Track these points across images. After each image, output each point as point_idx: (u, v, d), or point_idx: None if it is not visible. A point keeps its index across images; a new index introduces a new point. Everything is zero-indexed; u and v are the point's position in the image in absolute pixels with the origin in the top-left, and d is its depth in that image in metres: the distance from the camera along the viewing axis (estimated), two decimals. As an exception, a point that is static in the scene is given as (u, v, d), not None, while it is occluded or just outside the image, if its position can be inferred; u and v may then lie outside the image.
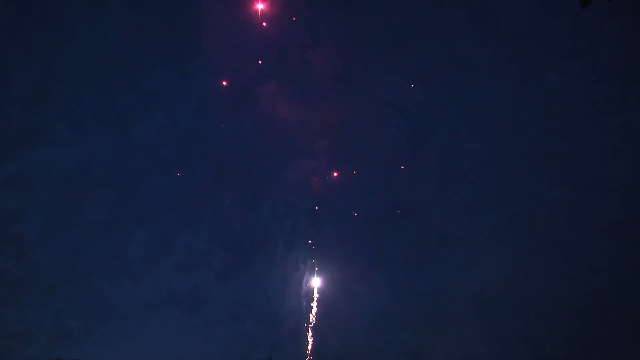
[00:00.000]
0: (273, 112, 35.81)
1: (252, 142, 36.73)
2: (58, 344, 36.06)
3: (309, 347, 35.36)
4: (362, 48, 35.18)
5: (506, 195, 37.20)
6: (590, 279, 35.24)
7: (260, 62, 34.28)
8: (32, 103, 36.76)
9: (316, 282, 36.33)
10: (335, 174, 35.45)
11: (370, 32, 35.97)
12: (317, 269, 36.27)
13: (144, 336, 36.81)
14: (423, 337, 36.49)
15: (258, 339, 36.78)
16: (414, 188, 37.33)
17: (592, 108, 35.83)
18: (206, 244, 38.47)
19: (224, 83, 34.57)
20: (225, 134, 37.39)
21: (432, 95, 37.29)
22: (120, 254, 37.86)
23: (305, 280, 36.09)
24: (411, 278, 37.51)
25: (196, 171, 38.37)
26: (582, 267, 35.48)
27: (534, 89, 36.64)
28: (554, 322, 35.19)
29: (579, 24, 34.13)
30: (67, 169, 37.36)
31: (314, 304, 35.83)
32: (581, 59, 35.50)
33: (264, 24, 34.18)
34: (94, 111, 37.60)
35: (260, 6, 33.80)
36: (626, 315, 34.04)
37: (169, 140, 38.58)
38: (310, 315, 35.78)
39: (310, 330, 35.60)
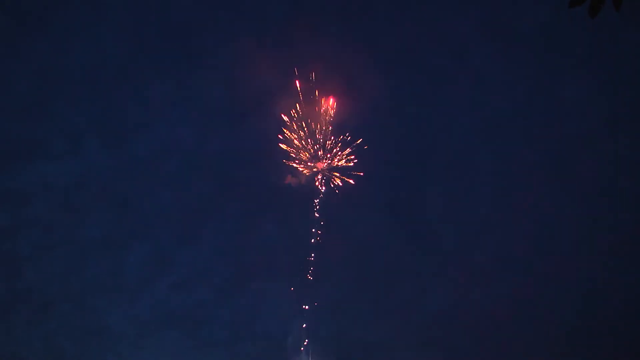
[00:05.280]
0: (276, 124, 36.37)
1: (254, 156, 37.14)
2: (49, 366, 36.33)
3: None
4: (371, 60, 35.77)
5: (519, 212, 37.53)
6: (607, 296, 35.55)
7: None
8: (28, 115, 37.48)
9: (319, 300, 36.59)
10: (339, 183, 35.84)
11: (379, 42, 36.67)
12: (319, 286, 36.56)
13: (140, 358, 37.04)
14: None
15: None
16: (423, 204, 37.79)
17: (606, 120, 36.37)
18: (206, 261, 39.01)
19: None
20: (227, 148, 37.92)
21: (443, 108, 37.89)
22: (116, 272, 38.32)
23: (308, 297, 36.38)
24: (419, 297, 37.77)
25: (197, 186, 38.88)
26: (597, 285, 35.79)
27: (547, 100, 37.16)
28: (566, 342, 35.40)
29: (592, 35, 34.73)
30: (63, 184, 38.00)
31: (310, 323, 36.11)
32: (594, 70, 36.10)
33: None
34: (92, 124, 38.39)
35: None
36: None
37: (169, 154, 39.30)
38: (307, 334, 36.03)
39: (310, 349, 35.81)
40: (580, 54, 36.26)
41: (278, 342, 36.81)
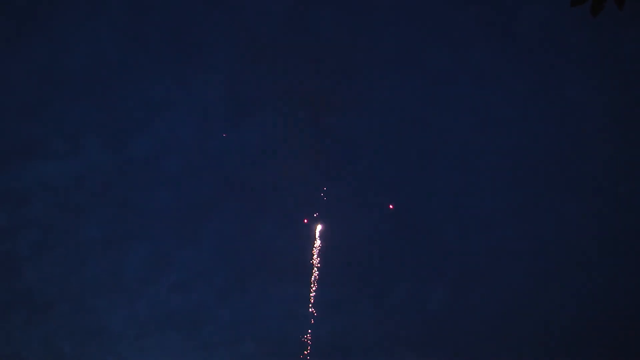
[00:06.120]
0: (277, 125, 36.60)
1: (255, 155, 37.35)
2: (49, 367, 36.44)
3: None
4: (371, 58, 36.00)
5: (521, 211, 37.81)
6: (610, 298, 35.74)
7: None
8: (27, 114, 37.58)
9: (319, 300, 36.73)
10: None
11: (379, 41, 36.87)
12: (319, 286, 36.70)
13: (140, 358, 37.15)
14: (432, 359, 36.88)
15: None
16: (425, 203, 37.95)
17: (610, 119, 36.55)
18: (207, 262, 39.02)
19: None
20: (228, 147, 38.07)
21: (444, 107, 38.07)
22: (116, 272, 38.39)
23: (309, 298, 36.53)
24: (420, 296, 37.96)
25: (197, 185, 39.01)
26: (601, 286, 35.98)
27: (550, 100, 37.36)
28: (567, 342, 35.60)
29: (596, 33, 34.96)
30: (62, 183, 38.07)
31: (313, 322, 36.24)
32: (598, 68, 36.32)
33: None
34: (91, 123, 38.48)
35: None
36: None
37: (169, 154, 39.38)
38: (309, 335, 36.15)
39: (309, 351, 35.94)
40: (583, 53, 36.51)
41: (279, 343, 37.10)
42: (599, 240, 36.55)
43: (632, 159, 36.14)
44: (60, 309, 37.44)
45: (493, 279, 37.17)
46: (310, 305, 36.36)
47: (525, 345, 36.12)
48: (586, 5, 9.07)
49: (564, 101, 37.25)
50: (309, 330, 36.10)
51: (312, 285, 36.47)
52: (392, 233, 38.20)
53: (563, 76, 37.09)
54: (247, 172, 37.48)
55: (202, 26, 38.99)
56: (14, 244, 37.41)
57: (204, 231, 39.21)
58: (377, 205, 38.22)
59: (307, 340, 36.02)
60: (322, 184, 36.38)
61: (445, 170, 38.25)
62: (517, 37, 37.43)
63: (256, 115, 37.93)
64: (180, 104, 38.93)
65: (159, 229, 39.00)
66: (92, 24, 38.21)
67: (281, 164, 36.52)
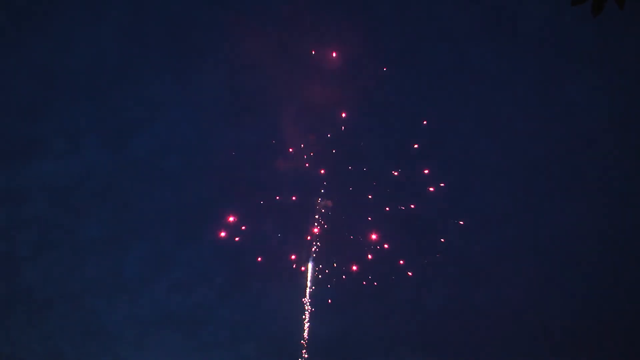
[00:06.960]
0: (277, 124, 36.70)
1: (255, 154, 37.44)
2: (48, 367, 36.56)
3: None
4: (372, 55, 36.08)
5: (522, 210, 37.94)
6: (612, 298, 35.91)
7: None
8: (26, 114, 37.59)
9: (320, 301, 36.80)
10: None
11: (380, 38, 36.94)
12: (319, 286, 36.78)
13: (140, 359, 37.32)
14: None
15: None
16: (425, 201, 38.04)
17: (612, 119, 36.69)
18: (207, 261, 39.20)
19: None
20: (228, 146, 38.12)
21: (445, 105, 38.17)
22: (115, 272, 38.53)
23: (308, 299, 36.59)
24: (420, 296, 38.05)
25: (197, 186, 39.07)
26: (603, 286, 36.12)
27: (551, 98, 37.45)
28: (567, 342, 35.75)
29: (598, 32, 35.03)
30: (61, 183, 38.08)
31: (307, 322, 36.33)
32: (599, 68, 36.38)
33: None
34: (91, 122, 38.51)
35: None
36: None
37: (169, 153, 39.49)
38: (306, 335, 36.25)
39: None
40: (584, 52, 36.61)
41: (279, 343, 37.18)
42: (600, 240, 36.70)
43: (633, 158, 36.29)
44: (59, 309, 37.59)
45: (493, 279, 37.33)
46: (309, 305, 36.44)
47: (525, 345, 36.29)
48: (587, 4, 9.23)
49: (565, 101, 37.40)
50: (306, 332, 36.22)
51: (311, 285, 36.56)
52: (392, 233, 38.30)
53: (564, 76, 37.22)
54: (247, 173, 37.54)
55: (202, 26, 39.13)
56: (12, 243, 37.55)
57: (204, 230, 39.24)
58: (377, 205, 38.32)
59: (305, 341, 36.13)
60: (322, 183, 36.46)
61: (445, 170, 38.30)
62: (519, 37, 37.57)
63: (256, 115, 38.03)
64: (180, 104, 39.05)
65: (159, 228, 39.18)
66: (92, 24, 38.29)
67: (281, 163, 36.58)
